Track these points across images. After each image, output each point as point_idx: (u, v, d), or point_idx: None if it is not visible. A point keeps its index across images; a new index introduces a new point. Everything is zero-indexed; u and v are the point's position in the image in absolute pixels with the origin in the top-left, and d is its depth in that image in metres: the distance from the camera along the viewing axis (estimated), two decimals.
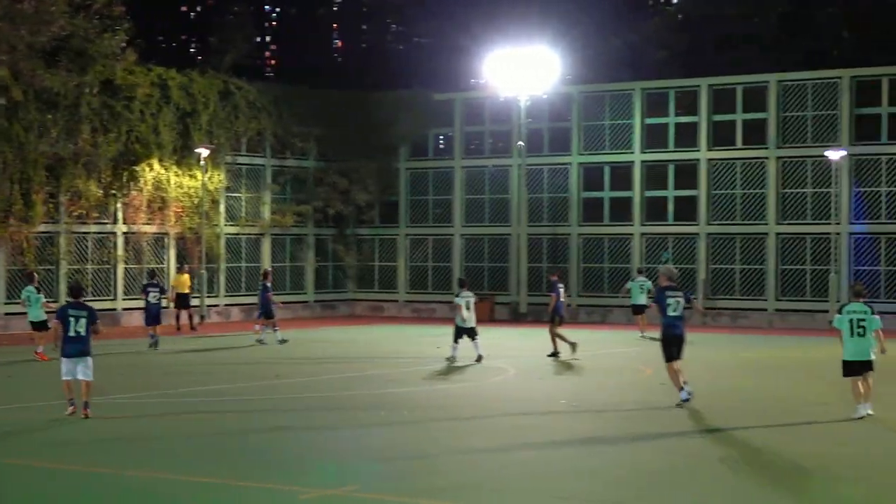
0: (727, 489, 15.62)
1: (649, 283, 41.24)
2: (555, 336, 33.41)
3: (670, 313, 22.65)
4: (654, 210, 51.32)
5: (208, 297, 48.98)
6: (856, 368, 21.31)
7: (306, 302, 54.83)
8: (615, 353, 35.59)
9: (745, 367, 31.76)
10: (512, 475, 16.37)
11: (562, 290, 34.11)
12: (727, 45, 62.42)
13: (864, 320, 21.14)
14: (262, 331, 38.38)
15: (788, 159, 48.74)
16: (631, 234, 51.30)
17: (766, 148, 49.03)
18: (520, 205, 51.75)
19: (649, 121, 51.52)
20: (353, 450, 18.32)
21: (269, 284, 38.96)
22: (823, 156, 46.95)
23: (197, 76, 50.43)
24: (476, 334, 31.81)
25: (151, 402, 23.97)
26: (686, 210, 50.76)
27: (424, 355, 33.82)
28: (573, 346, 33.14)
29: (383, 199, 56.50)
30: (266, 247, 53.23)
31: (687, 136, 50.82)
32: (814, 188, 48.32)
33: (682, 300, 22.76)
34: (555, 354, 33.26)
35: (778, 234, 48.73)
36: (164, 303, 39.23)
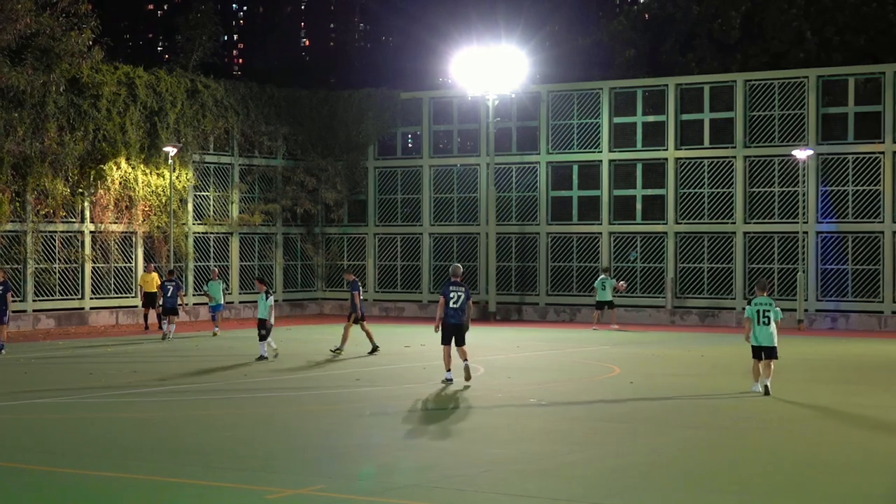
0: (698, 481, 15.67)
1: (612, 280, 46.74)
2: (368, 332, 33.92)
3: (451, 305, 26.37)
4: (623, 209, 51.39)
5: None
6: (760, 352, 24.73)
7: (275, 301, 54.54)
8: (584, 352, 35.61)
9: (709, 364, 31.86)
10: (479, 474, 16.32)
11: (360, 289, 34.63)
12: (692, 44, 62.53)
13: (768, 311, 24.70)
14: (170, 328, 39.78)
15: (756, 158, 48.86)
16: (599, 233, 51.35)
17: (734, 147, 49.14)
18: (488, 204, 51.73)
19: (617, 120, 51.55)
20: (320, 449, 18.25)
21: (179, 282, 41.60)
22: (790, 155, 47.10)
23: (164, 74, 50.21)
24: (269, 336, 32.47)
25: (118, 401, 23.82)
26: (654, 209, 50.85)
27: (391, 354, 33.78)
28: (341, 348, 33.62)
29: (351, 198, 56.46)
30: (234, 246, 53.08)
31: (655, 135, 50.87)
32: (781, 187, 48.47)
33: (462, 295, 26.38)
34: (374, 350, 33.69)
35: (746, 233, 48.86)
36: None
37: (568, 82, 55.54)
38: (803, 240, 47.18)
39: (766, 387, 24.45)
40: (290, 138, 55.14)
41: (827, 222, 47.65)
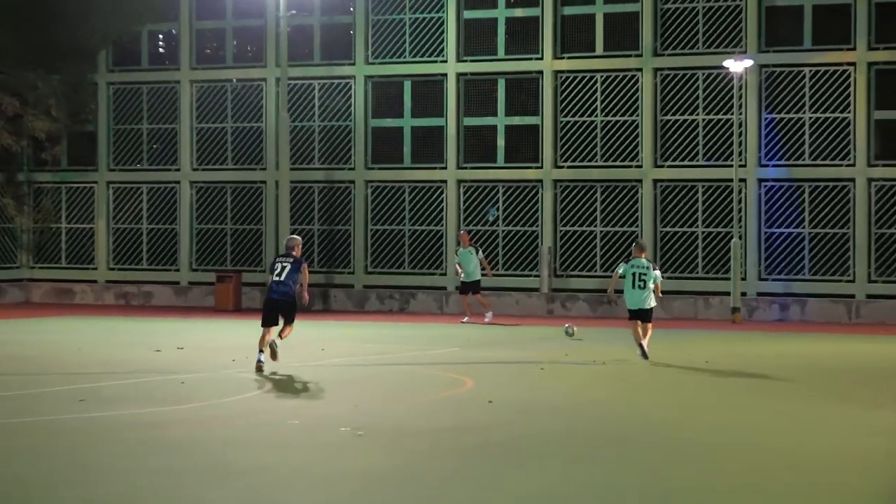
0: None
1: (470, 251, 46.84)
2: None
3: (274, 278, 30.96)
4: (478, 146, 51.37)
5: None
6: (635, 315, 33.28)
7: None
8: (422, 358, 35.53)
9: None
10: None
11: None
12: None
13: (644, 275, 32.98)
14: None
15: (671, 72, 49.29)
16: (444, 182, 51.26)
17: (639, 55, 49.70)
18: (279, 138, 51.24)
19: (469, 15, 52.11)
20: (44, 485, 17.68)
21: None
22: (721, 67, 47.76)
23: None
24: None
25: None
26: (524, 146, 50.87)
27: (135, 361, 32.90)
28: None
29: (73, 129, 55.73)
30: None
31: (524, 37, 51.27)
32: (707, 115, 48.90)
33: (288, 266, 30.96)
34: None
35: (656, 180, 49.15)
36: None
37: None
38: (740, 191, 47.40)
39: (640, 346, 33.02)
40: None
41: (774, 166, 47.95)
